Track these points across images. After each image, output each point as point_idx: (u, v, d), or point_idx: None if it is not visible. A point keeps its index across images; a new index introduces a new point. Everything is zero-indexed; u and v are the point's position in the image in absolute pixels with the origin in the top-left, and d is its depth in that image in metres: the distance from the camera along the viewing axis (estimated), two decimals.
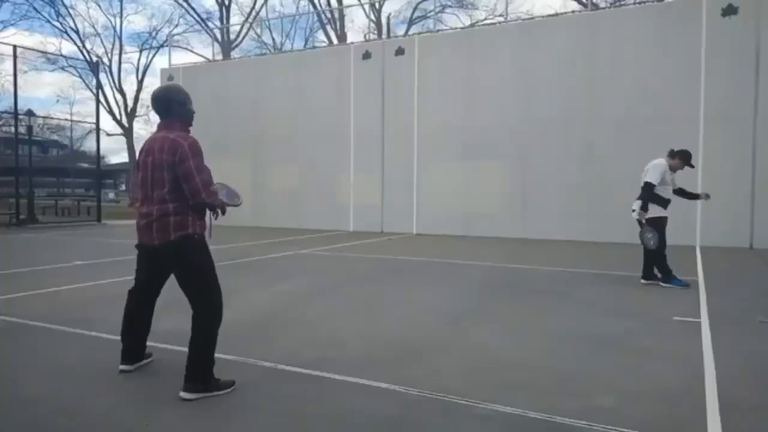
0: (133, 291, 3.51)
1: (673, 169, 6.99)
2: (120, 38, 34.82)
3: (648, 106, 11.74)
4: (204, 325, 3.14)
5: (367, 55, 15.00)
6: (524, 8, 46.76)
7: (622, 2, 19.91)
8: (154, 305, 3.53)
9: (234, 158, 15.98)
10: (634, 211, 7.02)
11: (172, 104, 3.23)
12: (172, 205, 3.10)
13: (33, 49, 29.38)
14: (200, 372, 3.09)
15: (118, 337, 4.23)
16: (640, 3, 13.83)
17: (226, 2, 34.83)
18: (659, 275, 6.82)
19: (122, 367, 3.48)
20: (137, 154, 3.39)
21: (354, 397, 3.08)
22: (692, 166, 7.12)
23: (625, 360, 3.76)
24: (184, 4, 35.05)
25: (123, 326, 3.50)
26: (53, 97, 78.09)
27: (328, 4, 34.89)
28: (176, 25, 36.22)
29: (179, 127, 3.22)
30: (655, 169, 6.85)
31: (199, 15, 35.74)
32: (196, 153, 3.09)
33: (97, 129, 19.70)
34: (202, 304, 3.15)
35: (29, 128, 23.01)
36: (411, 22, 34.43)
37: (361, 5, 31.97)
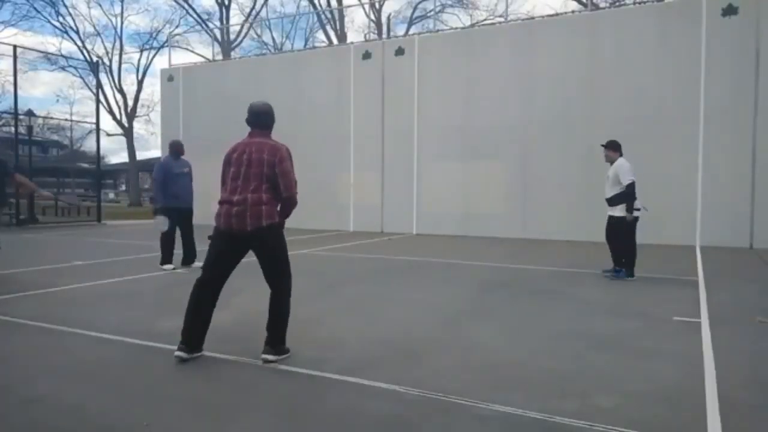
0: (204, 280, 3.70)
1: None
2: (120, 38, 34.85)
3: (648, 106, 11.74)
4: (286, 299, 3.74)
5: (367, 55, 15.00)
6: (524, 8, 46.84)
7: (622, 2, 19.91)
8: (219, 292, 3.77)
9: None
10: (638, 209, 7.13)
11: (270, 119, 3.87)
12: (266, 196, 3.64)
13: (33, 49, 29.44)
14: (282, 338, 3.71)
15: (118, 337, 4.25)
16: (640, 3, 13.83)
17: (226, 2, 34.83)
18: (617, 268, 7.19)
19: (179, 353, 3.60)
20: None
21: (354, 397, 3.08)
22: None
23: (625, 360, 3.75)
24: (185, 5, 35.07)
25: (189, 315, 3.66)
26: (50, 96, 78.34)
27: (328, 4, 34.90)
28: (177, 26, 36.24)
29: (269, 135, 3.85)
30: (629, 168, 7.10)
31: (199, 15, 35.76)
32: (291, 157, 3.76)
33: (97, 129, 19.71)
34: (285, 283, 3.75)
35: (29, 128, 23.02)
36: (411, 22, 34.45)
37: (361, 5, 31.99)
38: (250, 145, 3.72)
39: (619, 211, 7.00)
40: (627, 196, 6.87)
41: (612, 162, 7.19)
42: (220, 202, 3.72)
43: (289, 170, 3.69)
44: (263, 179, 3.63)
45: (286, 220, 3.85)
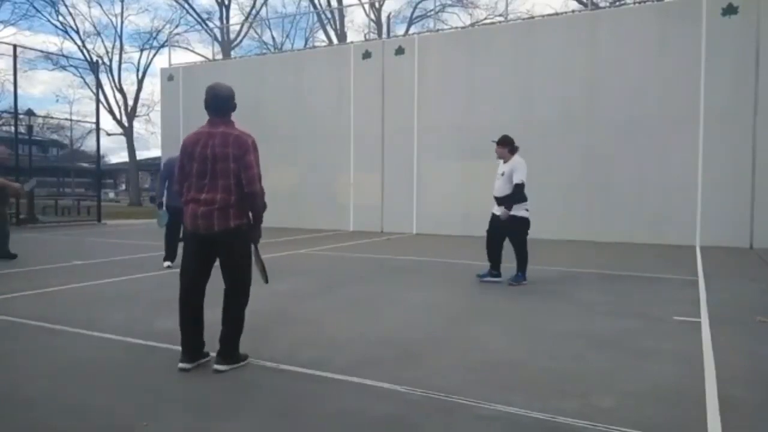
0: (184, 287, 3.57)
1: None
2: (120, 38, 34.80)
3: (648, 106, 11.74)
4: (242, 305, 3.59)
5: (367, 55, 14.99)
6: (524, 8, 46.76)
7: (622, 2, 19.90)
8: (203, 297, 3.61)
9: None
10: (527, 210, 6.71)
11: (233, 104, 3.58)
12: (234, 197, 3.43)
13: (33, 49, 29.40)
14: (235, 346, 3.55)
15: (119, 337, 4.25)
16: (640, 3, 13.82)
17: (226, 2, 34.81)
18: (495, 272, 6.84)
19: (181, 365, 3.50)
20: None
21: (354, 397, 3.08)
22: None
23: (625, 360, 3.76)
24: (184, 5, 35.04)
25: (181, 326, 3.56)
26: (49, 95, 78.40)
27: (328, 4, 34.88)
28: (177, 26, 36.22)
29: (232, 122, 3.56)
30: (524, 168, 6.64)
31: (199, 15, 35.74)
32: (256, 149, 3.49)
33: (97, 129, 19.70)
34: (243, 288, 3.58)
35: (29, 128, 23.02)
36: (411, 22, 34.46)
37: (361, 5, 31.98)
38: (213, 137, 3.43)
39: (514, 209, 6.57)
40: (512, 197, 6.54)
41: (504, 159, 6.79)
42: (186, 202, 3.50)
43: (251, 164, 3.41)
44: (231, 176, 3.39)
45: (261, 226, 3.62)
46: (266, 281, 3.83)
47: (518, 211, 6.61)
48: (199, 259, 3.55)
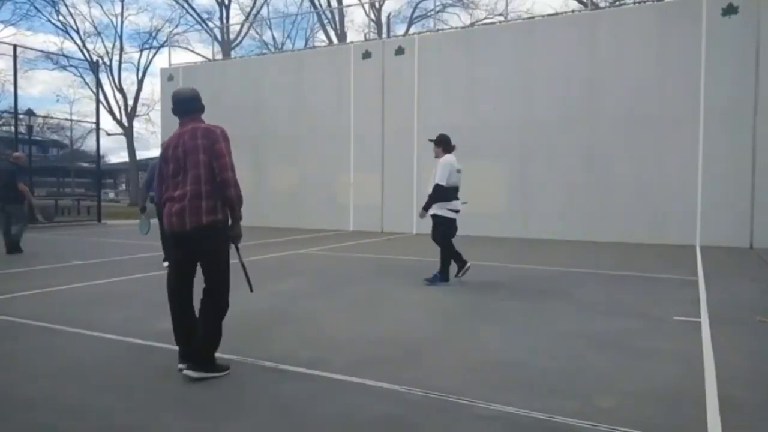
0: (171, 290, 3.53)
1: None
2: (120, 38, 34.81)
3: (648, 106, 11.74)
4: (218, 310, 3.43)
5: (367, 55, 14.99)
6: (524, 7, 46.76)
7: (622, 2, 19.89)
8: (191, 296, 3.52)
9: (234, 158, 15.94)
10: (457, 211, 6.59)
11: (198, 104, 3.62)
12: (206, 188, 3.34)
13: (33, 49, 29.39)
14: (209, 353, 3.37)
15: (119, 337, 4.25)
16: (640, 2, 13.82)
17: (226, 1, 34.82)
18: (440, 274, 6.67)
19: (181, 366, 3.46)
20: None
21: (354, 397, 3.08)
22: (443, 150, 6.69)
23: (625, 360, 3.76)
24: (184, 4, 35.05)
25: (173, 324, 3.54)
26: (48, 95, 78.33)
27: (329, 4, 34.88)
28: (176, 25, 36.22)
29: (201, 120, 3.58)
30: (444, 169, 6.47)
31: (199, 15, 35.75)
32: (226, 138, 3.46)
33: (97, 129, 19.69)
34: (218, 293, 3.42)
35: (29, 128, 23.01)
36: (411, 22, 34.46)
37: (361, 5, 31.96)
38: (183, 135, 3.46)
39: (435, 208, 6.50)
40: (429, 197, 6.47)
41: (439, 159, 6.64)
42: (163, 202, 3.47)
43: (222, 152, 3.36)
44: (201, 167, 3.34)
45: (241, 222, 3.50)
46: (251, 290, 3.74)
47: (439, 210, 6.52)
48: (180, 261, 3.51)
